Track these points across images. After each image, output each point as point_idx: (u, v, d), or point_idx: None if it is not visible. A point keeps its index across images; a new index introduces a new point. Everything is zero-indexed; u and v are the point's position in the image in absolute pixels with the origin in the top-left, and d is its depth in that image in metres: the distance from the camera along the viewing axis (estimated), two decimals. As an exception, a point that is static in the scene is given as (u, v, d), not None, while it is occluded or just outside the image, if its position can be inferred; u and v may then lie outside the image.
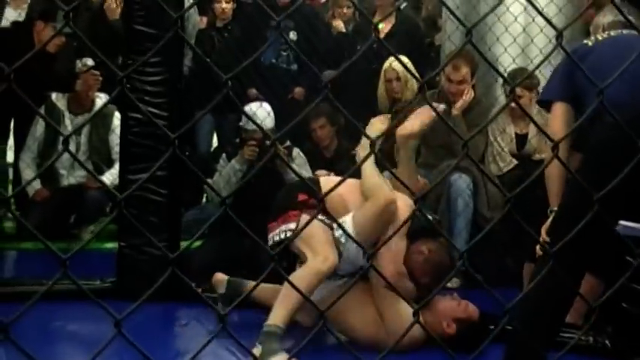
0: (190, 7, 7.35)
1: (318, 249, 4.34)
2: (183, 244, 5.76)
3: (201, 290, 5.19)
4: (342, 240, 4.43)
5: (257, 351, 4.09)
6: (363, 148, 4.75)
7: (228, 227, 5.79)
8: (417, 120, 4.62)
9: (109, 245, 6.45)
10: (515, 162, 6.18)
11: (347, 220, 4.43)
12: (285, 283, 4.14)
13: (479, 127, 5.68)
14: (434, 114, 4.56)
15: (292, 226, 4.47)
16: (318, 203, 4.39)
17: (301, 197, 4.52)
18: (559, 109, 3.57)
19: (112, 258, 5.54)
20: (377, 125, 4.71)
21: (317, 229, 4.35)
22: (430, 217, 4.93)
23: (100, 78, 6.87)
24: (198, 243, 6.36)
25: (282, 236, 4.47)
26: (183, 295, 5.26)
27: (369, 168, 4.54)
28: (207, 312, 4.85)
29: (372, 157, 4.49)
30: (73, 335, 4.52)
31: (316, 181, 4.66)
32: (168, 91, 5.39)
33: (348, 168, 6.45)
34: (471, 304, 4.54)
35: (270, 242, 4.52)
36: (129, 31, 5.40)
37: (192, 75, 7.43)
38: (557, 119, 3.56)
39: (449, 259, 4.49)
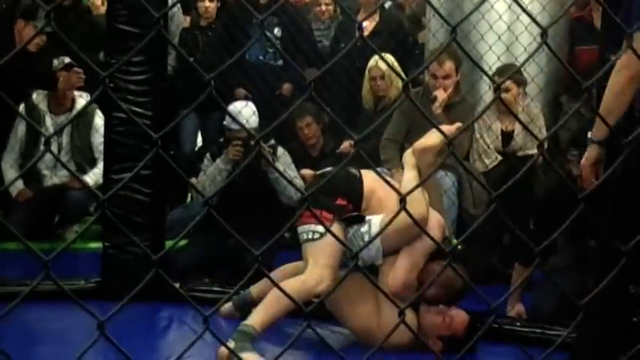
0: (173, 6, 7.32)
1: (320, 265, 4.31)
2: (168, 243, 5.74)
3: (185, 289, 5.18)
4: (366, 238, 4.42)
5: (230, 345, 4.07)
6: (409, 155, 4.64)
7: (213, 227, 5.78)
8: (435, 135, 4.55)
9: (94, 245, 6.42)
10: (500, 158, 6.17)
11: (375, 221, 4.42)
12: (274, 289, 4.13)
13: (463, 126, 5.69)
14: (453, 130, 4.55)
15: (321, 229, 4.38)
16: (353, 212, 4.42)
17: (340, 202, 4.45)
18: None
19: (97, 258, 5.51)
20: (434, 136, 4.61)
21: (332, 245, 4.28)
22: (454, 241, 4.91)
23: (83, 76, 6.83)
24: (182, 242, 6.35)
25: (309, 236, 4.41)
26: (168, 294, 5.26)
27: (411, 177, 4.49)
28: (192, 311, 4.84)
29: (415, 168, 4.47)
30: (57, 336, 4.49)
31: (359, 178, 4.57)
32: (152, 90, 5.36)
33: (334, 167, 6.46)
34: (457, 316, 4.51)
35: (298, 233, 4.48)
36: (112, 29, 5.37)
37: (176, 74, 7.40)
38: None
39: (461, 284, 4.43)
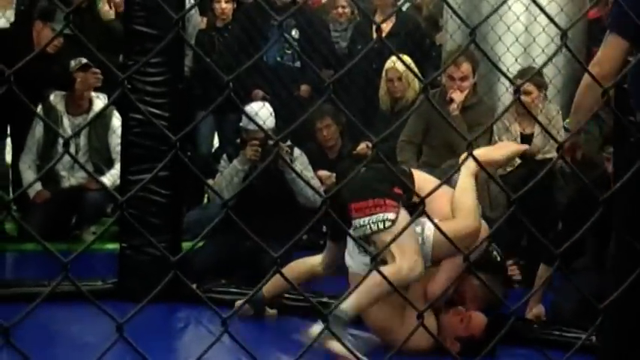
0: (191, 7, 7.34)
1: (409, 255, 4.17)
2: (185, 244, 5.75)
3: (202, 290, 5.18)
4: (419, 240, 4.36)
5: (317, 328, 4.03)
6: (471, 162, 4.56)
7: (230, 228, 5.78)
8: (503, 149, 4.51)
9: (111, 246, 6.43)
10: (518, 161, 6.14)
11: (429, 225, 4.33)
12: (373, 275, 4.10)
13: (483, 127, 5.68)
14: (519, 149, 4.52)
15: (392, 216, 4.26)
16: (419, 202, 4.28)
17: (397, 191, 4.32)
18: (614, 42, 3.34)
19: (114, 259, 5.53)
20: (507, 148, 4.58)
21: (410, 232, 4.17)
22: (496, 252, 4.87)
23: (100, 77, 6.85)
24: (199, 243, 6.35)
25: (380, 226, 4.26)
26: (185, 295, 5.27)
27: (468, 185, 4.45)
28: (209, 312, 4.84)
29: (473, 176, 4.44)
30: (75, 337, 4.51)
31: (410, 175, 4.49)
32: (169, 91, 5.38)
33: (351, 169, 6.45)
34: (475, 317, 4.49)
35: (360, 226, 4.30)
36: (129, 31, 5.38)
37: (193, 75, 7.41)
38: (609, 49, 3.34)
39: (494, 298, 4.43)
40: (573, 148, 3.64)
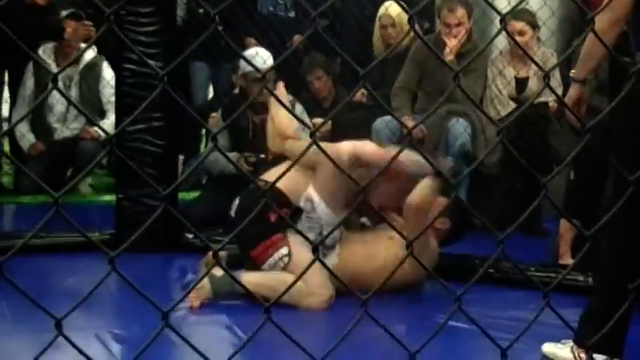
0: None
1: (313, 284, 4.20)
2: (181, 195, 5.74)
3: (198, 241, 5.20)
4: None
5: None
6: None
7: (226, 179, 5.79)
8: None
9: (107, 198, 6.46)
10: (513, 105, 6.12)
11: (314, 197, 4.36)
12: (285, 275, 4.23)
13: (478, 73, 5.65)
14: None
15: (284, 251, 4.33)
16: (292, 215, 4.33)
17: (273, 217, 4.29)
18: None
19: (110, 210, 5.55)
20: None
21: (306, 255, 4.13)
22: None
23: (92, 28, 6.82)
24: (196, 194, 6.37)
25: (281, 264, 4.32)
26: (182, 245, 5.29)
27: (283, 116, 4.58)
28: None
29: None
30: (72, 286, 4.53)
31: (276, 190, 4.36)
32: (162, 41, 5.37)
33: (346, 116, 6.45)
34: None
35: (270, 268, 4.36)
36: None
37: (186, 25, 7.37)
38: None
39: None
40: (579, 101, 3.45)
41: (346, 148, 4.37)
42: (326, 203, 4.34)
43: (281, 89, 5.23)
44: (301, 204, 4.38)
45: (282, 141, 4.71)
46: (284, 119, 4.74)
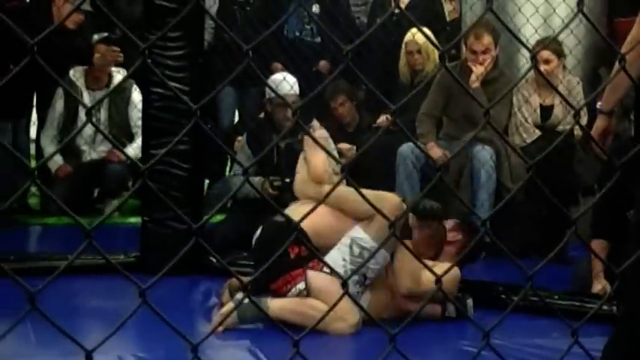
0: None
1: (340, 309, 4.06)
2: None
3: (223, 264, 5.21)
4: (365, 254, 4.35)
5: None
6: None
7: (251, 202, 5.80)
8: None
9: (133, 220, 6.49)
10: (538, 133, 6.12)
11: (369, 244, 4.34)
12: (313, 302, 4.23)
13: (504, 99, 5.65)
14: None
15: (301, 286, 4.35)
16: (310, 252, 4.32)
17: (293, 253, 4.35)
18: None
19: (136, 233, 5.57)
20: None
21: (329, 285, 4.19)
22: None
23: (120, 54, 6.88)
24: (221, 217, 6.38)
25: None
26: (207, 268, 5.31)
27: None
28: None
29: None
30: (98, 309, 4.55)
31: (300, 231, 4.37)
32: (189, 65, 5.41)
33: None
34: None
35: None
36: (149, 6, 5.40)
37: (213, 50, 7.42)
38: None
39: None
40: (605, 133, 3.37)
41: (395, 201, 4.38)
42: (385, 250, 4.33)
43: (320, 131, 5.23)
44: (342, 248, 4.36)
45: (316, 186, 4.62)
46: (320, 165, 4.64)
